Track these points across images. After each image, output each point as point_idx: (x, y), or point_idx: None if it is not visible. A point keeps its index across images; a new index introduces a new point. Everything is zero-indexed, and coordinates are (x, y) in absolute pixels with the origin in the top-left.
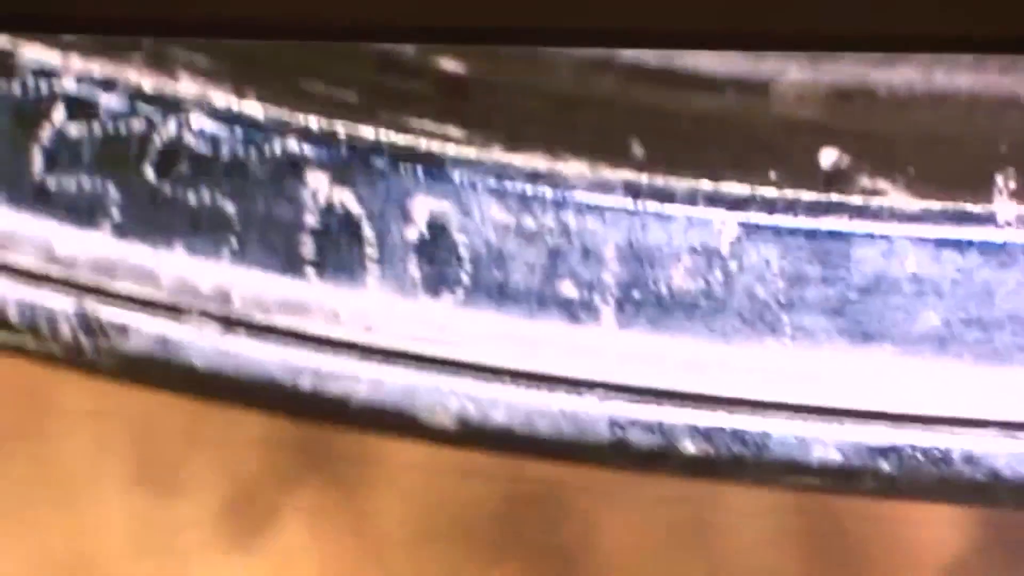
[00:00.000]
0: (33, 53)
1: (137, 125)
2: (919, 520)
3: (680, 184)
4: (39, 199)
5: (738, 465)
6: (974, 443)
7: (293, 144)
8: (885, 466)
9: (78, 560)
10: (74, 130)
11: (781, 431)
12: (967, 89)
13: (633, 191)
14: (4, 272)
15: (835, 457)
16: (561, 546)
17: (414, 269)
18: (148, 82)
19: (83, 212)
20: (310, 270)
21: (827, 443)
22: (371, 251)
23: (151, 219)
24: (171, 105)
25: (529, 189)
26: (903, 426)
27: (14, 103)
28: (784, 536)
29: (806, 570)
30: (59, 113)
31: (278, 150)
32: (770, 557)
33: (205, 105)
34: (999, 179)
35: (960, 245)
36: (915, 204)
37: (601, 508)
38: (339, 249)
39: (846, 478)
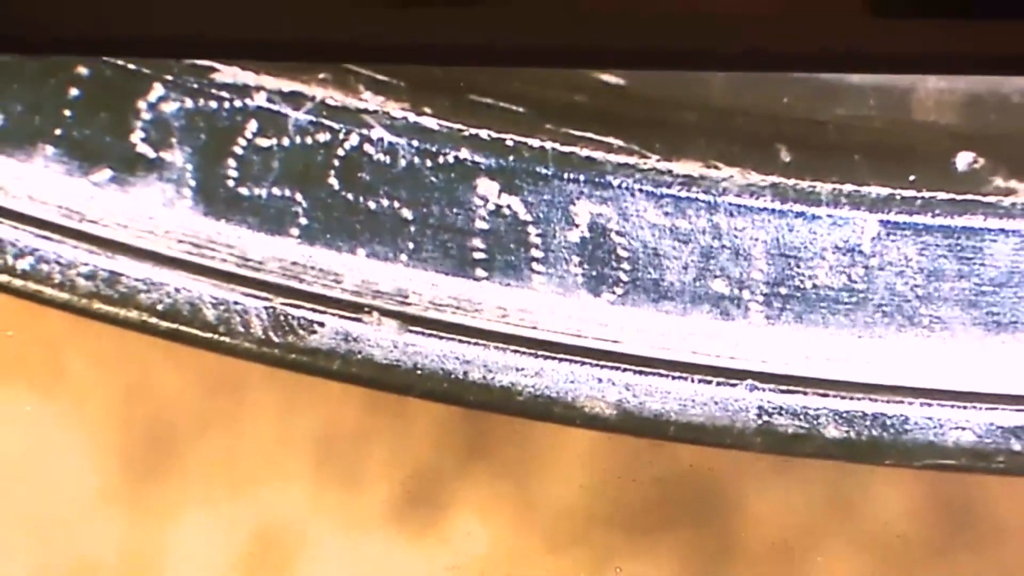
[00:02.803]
0: (229, 72)
1: (322, 138)
2: None
3: (825, 187)
4: (233, 207)
5: (878, 448)
6: None
7: (465, 154)
8: (1016, 445)
9: (265, 537)
10: (265, 143)
11: (918, 415)
12: None
13: (780, 194)
14: (201, 275)
15: (969, 438)
16: (714, 522)
17: (576, 269)
18: (332, 98)
19: (273, 219)
20: (480, 270)
21: (962, 425)
22: (536, 252)
23: (335, 225)
24: (353, 119)
25: (683, 193)
26: None
27: (211, 119)
28: (921, 506)
29: (942, 538)
30: (251, 128)
31: (451, 159)
32: (906, 525)
33: (385, 119)
34: None
35: None
36: None
37: (749, 486)
38: (507, 251)
39: (979, 458)
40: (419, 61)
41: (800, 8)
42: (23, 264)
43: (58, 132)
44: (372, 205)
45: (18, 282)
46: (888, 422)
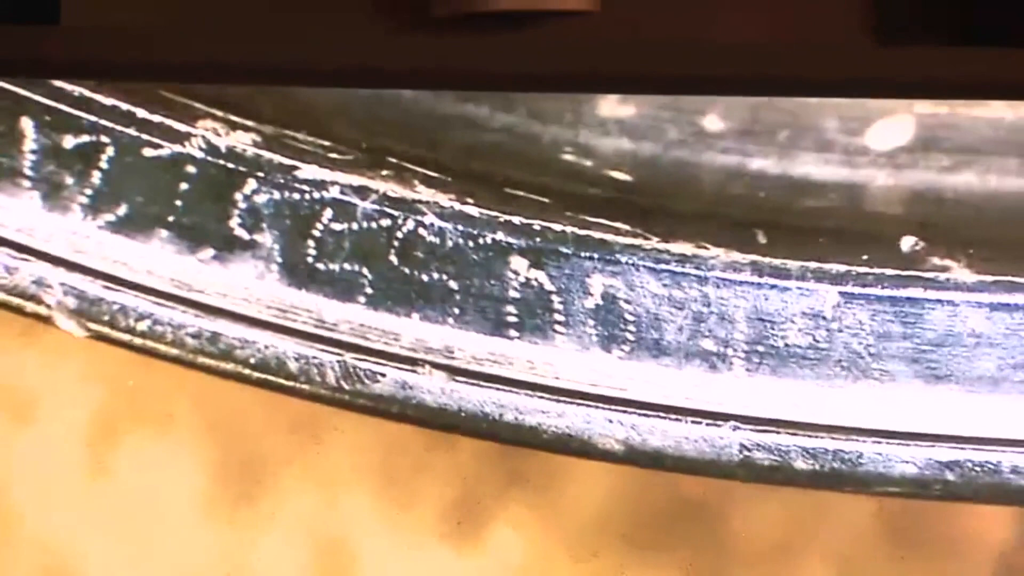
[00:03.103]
0: (309, 170)
1: (384, 223)
2: (979, 515)
3: (794, 264)
4: (312, 279)
5: (838, 478)
6: (1020, 458)
7: (501, 236)
8: (951, 476)
9: (337, 547)
10: (338, 227)
11: (871, 451)
12: (1015, 189)
13: (758, 270)
14: (286, 334)
15: (912, 471)
16: (711, 538)
17: (591, 330)
18: (393, 191)
19: (344, 289)
20: (513, 331)
21: (906, 459)
22: (559, 316)
23: (395, 294)
24: (410, 207)
25: (679, 269)
26: (964, 446)
27: (294, 207)
28: (877, 527)
29: (895, 552)
30: (327, 215)
31: (489, 240)
32: (865, 542)
33: (435, 207)
34: None
35: (1009, 308)
36: (974, 277)
37: (736, 510)
38: (534, 315)
39: (920, 486)
40: (440, 87)
41: (810, 37)
42: (142, 326)
43: (171, 219)
44: (425, 278)
45: (138, 340)
46: (846, 456)
